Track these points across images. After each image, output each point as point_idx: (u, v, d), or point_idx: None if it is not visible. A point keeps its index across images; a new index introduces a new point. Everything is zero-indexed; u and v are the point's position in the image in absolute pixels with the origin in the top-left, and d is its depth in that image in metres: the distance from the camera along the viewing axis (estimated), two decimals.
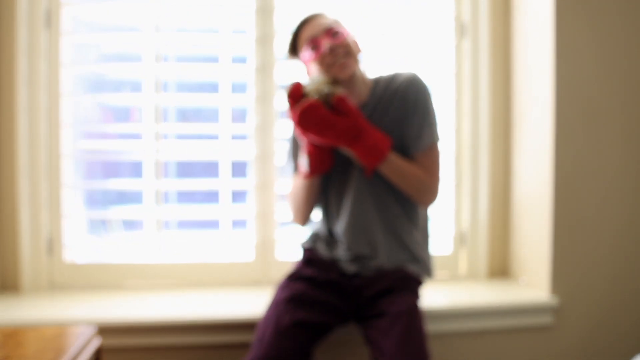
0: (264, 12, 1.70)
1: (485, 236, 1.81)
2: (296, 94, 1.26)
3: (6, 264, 1.65)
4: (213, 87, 1.91)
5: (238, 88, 1.91)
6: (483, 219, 1.81)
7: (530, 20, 1.70)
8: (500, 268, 1.86)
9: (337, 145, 1.27)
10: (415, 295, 1.33)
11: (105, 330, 1.36)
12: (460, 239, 1.83)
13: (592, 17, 1.61)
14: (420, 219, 1.43)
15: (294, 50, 1.38)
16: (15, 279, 1.65)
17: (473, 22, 1.80)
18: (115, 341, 1.42)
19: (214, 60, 1.93)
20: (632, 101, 1.66)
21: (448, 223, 1.84)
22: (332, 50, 1.28)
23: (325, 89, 1.24)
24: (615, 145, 1.65)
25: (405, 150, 1.36)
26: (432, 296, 1.61)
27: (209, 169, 1.89)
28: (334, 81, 1.29)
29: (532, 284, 1.71)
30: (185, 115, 1.88)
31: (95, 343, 1.15)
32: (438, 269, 1.82)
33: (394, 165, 1.30)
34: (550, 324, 1.64)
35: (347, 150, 1.29)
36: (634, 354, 1.67)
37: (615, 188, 1.66)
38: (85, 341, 1.09)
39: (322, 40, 1.30)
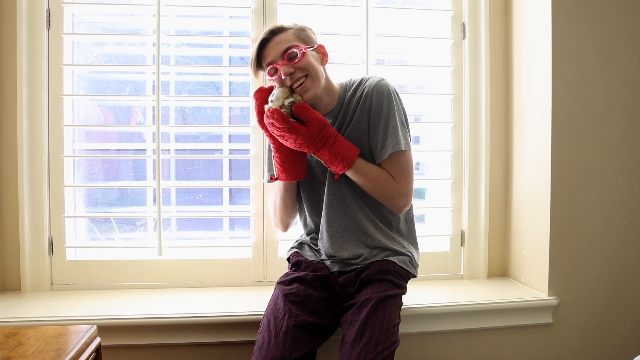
0: (263, 12, 1.70)
1: (484, 236, 1.82)
2: (260, 94, 1.32)
3: (7, 263, 1.66)
4: (213, 88, 1.91)
5: (238, 88, 1.91)
6: (482, 219, 1.81)
7: (530, 21, 1.70)
8: (500, 268, 1.87)
9: (304, 150, 1.30)
10: (391, 286, 1.31)
11: (105, 329, 1.37)
12: (460, 239, 1.84)
13: (590, 17, 1.61)
14: (400, 218, 1.45)
15: (258, 67, 1.36)
16: (17, 279, 1.66)
17: (473, 22, 1.80)
18: (116, 340, 1.43)
19: (214, 61, 1.94)
20: (631, 101, 1.66)
21: (447, 223, 1.84)
22: (291, 75, 1.29)
23: (286, 101, 1.27)
24: (614, 146, 1.65)
25: (374, 157, 1.37)
26: (432, 295, 1.62)
27: (209, 168, 1.89)
28: (294, 91, 1.30)
29: (531, 284, 1.71)
30: (185, 116, 1.88)
31: (96, 342, 1.15)
32: (438, 269, 1.83)
33: (360, 172, 1.32)
34: (549, 323, 1.64)
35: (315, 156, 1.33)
36: (632, 353, 1.67)
37: (614, 188, 1.66)
38: (85, 340, 1.10)
39: (279, 65, 1.29)
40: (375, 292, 1.27)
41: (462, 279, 1.84)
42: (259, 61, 1.34)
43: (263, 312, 1.45)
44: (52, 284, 1.69)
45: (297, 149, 1.30)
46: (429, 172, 2.03)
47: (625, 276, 1.68)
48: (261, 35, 1.32)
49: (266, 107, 1.29)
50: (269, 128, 1.29)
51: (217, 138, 1.89)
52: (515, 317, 1.61)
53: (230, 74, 1.86)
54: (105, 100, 1.85)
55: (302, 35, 1.34)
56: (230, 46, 1.86)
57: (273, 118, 1.25)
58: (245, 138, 1.78)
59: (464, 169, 1.82)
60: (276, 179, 1.39)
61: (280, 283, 1.37)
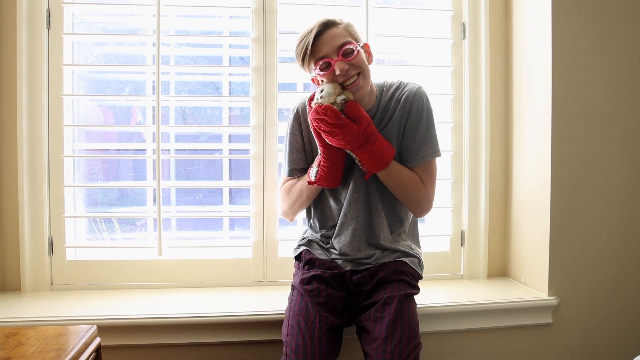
0: (263, 12, 1.70)
1: (484, 236, 1.82)
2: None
3: (7, 263, 1.66)
4: (213, 88, 1.91)
5: (238, 88, 1.91)
6: (482, 219, 1.81)
7: (530, 21, 1.70)
8: (500, 268, 1.87)
9: (346, 148, 1.30)
10: (408, 286, 1.33)
11: (105, 329, 1.37)
12: (460, 239, 1.84)
13: (590, 17, 1.61)
14: (409, 220, 1.47)
15: (305, 60, 1.30)
16: (17, 279, 1.66)
17: (473, 22, 1.80)
18: (116, 340, 1.43)
19: (214, 61, 1.93)
20: (631, 100, 1.66)
21: (447, 223, 1.84)
22: (345, 72, 1.27)
23: (339, 98, 1.26)
24: (614, 146, 1.65)
25: (403, 159, 1.38)
26: (432, 295, 1.62)
27: (209, 168, 1.89)
28: (344, 88, 1.29)
29: (531, 284, 1.71)
30: (185, 116, 1.88)
31: (96, 342, 1.15)
32: (438, 269, 1.83)
33: (394, 173, 1.33)
34: (549, 323, 1.64)
35: (352, 154, 1.32)
36: (632, 352, 1.67)
37: (614, 187, 1.66)
38: (85, 340, 1.10)
39: (334, 61, 1.26)
40: (395, 290, 1.29)
41: (462, 279, 1.84)
42: (308, 54, 1.29)
43: (263, 312, 1.46)
44: (52, 284, 1.69)
45: (341, 147, 1.30)
46: None
47: (625, 276, 1.68)
48: (313, 28, 1.28)
49: (313, 102, 1.28)
50: (314, 124, 1.28)
51: (217, 138, 1.89)
52: (515, 317, 1.61)
53: (230, 74, 1.86)
54: (105, 100, 1.85)
55: (352, 32, 1.32)
56: (230, 46, 1.86)
57: (326, 115, 1.23)
58: (245, 138, 1.78)
59: (463, 169, 1.82)
60: (313, 183, 1.36)
61: (299, 282, 1.35)
